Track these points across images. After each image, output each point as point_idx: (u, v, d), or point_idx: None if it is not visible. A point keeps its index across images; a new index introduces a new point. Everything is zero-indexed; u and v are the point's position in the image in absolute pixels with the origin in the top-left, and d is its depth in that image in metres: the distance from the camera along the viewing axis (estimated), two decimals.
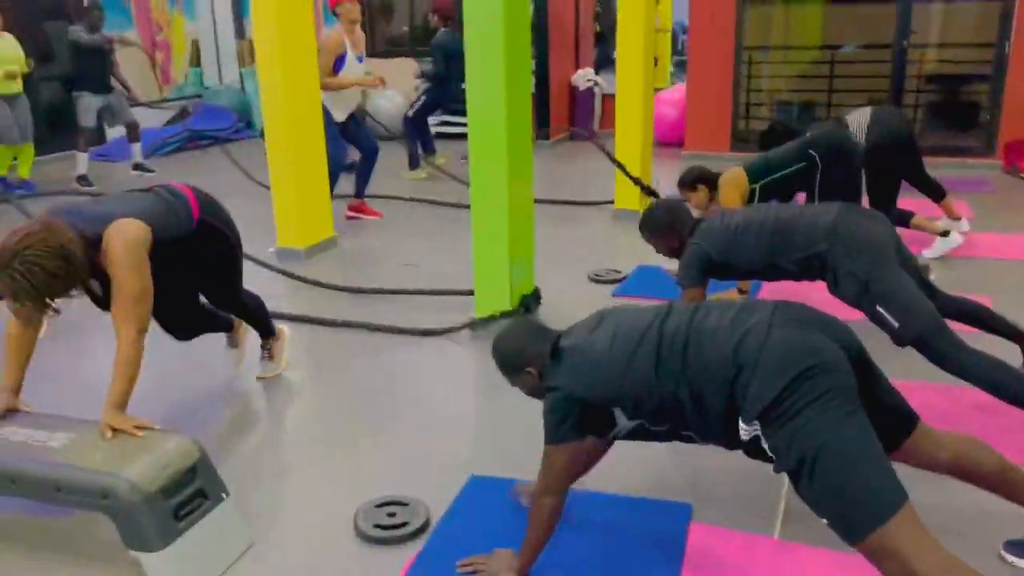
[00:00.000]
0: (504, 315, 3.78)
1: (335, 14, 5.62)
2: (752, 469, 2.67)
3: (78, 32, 7.30)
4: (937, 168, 5.33)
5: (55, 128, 8.46)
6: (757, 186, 4.14)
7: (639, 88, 5.63)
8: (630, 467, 2.76)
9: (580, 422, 2.04)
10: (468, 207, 3.85)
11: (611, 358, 2.00)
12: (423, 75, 7.93)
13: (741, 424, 1.86)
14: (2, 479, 2.22)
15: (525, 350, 2.16)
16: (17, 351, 2.56)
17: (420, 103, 7.62)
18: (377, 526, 2.41)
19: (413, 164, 7.64)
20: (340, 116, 5.67)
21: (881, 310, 2.80)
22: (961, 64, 8.05)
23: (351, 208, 6.06)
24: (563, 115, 9.19)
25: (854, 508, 1.72)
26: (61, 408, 2.56)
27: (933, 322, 2.75)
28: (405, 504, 2.51)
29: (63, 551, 2.39)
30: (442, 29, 7.62)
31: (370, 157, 5.92)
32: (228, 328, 3.48)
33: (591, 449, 2.26)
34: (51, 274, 2.31)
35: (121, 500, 2.09)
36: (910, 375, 2.73)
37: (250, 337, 3.56)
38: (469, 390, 3.53)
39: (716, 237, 3.14)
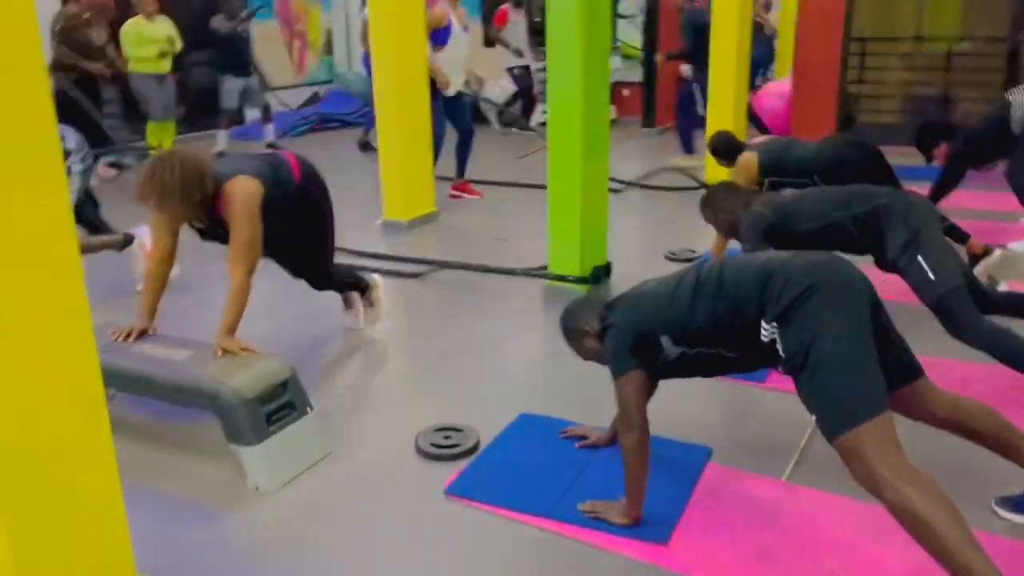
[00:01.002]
0: (575, 279, 4.12)
1: None
2: (774, 419, 2.96)
3: (219, 20, 8.07)
4: None
5: (205, 109, 9.34)
6: (766, 180, 4.30)
7: (731, 77, 5.82)
8: (668, 414, 3.08)
9: (636, 351, 2.32)
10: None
11: (656, 294, 2.35)
12: (678, 56, 7.68)
13: (763, 325, 2.11)
14: (139, 381, 2.77)
15: (581, 315, 2.54)
16: (154, 284, 3.11)
17: (698, 93, 7.26)
18: (433, 444, 2.83)
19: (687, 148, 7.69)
20: (450, 91, 6.04)
21: (921, 259, 2.96)
22: None
23: (454, 187, 6.51)
24: (671, 104, 9.34)
25: (835, 407, 1.97)
26: (187, 334, 3.10)
27: (963, 286, 2.91)
28: (460, 430, 2.91)
29: (180, 447, 2.92)
30: (687, 6, 7.50)
31: (465, 138, 6.30)
32: (364, 287, 3.84)
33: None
34: (187, 182, 2.90)
35: (225, 402, 2.58)
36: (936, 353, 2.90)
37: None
38: (535, 347, 3.88)
39: (773, 202, 3.39)
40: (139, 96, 7.59)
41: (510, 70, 9.91)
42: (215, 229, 3.12)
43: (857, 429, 1.92)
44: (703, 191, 5.95)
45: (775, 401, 3.15)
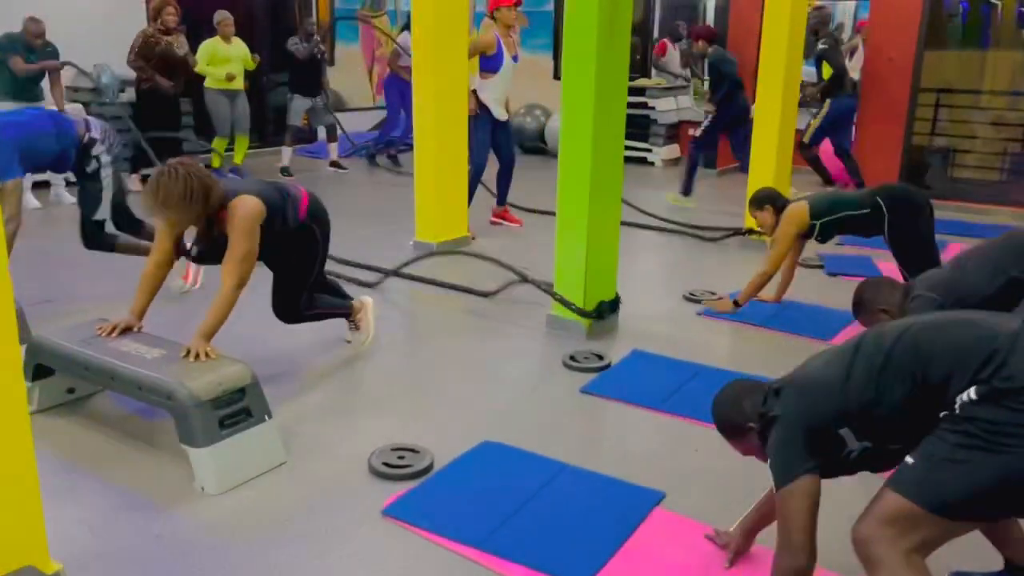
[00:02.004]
0: (579, 312, 4.08)
1: (493, 17, 6.01)
2: (747, 469, 2.84)
3: (294, 43, 8.39)
4: None
5: (279, 126, 9.70)
6: (818, 223, 4.22)
7: (775, 120, 5.69)
8: (628, 454, 3.02)
9: (810, 450, 1.87)
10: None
11: (828, 374, 1.92)
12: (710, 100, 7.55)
13: (960, 398, 1.73)
14: (105, 375, 2.87)
15: (741, 405, 2.10)
16: (149, 284, 3.23)
17: (704, 125, 7.42)
18: (385, 463, 2.83)
19: (685, 188, 7.43)
20: (500, 115, 6.08)
21: None
22: None
23: (494, 214, 6.55)
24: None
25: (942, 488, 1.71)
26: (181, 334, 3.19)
27: None
28: (416, 451, 2.90)
29: (145, 443, 3.01)
30: (710, 49, 7.55)
31: (507, 166, 6.35)
32: (345, 314, 3.87)
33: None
34: (195, 192, 3.02)
35: (179, 402, 2.65)
36: None
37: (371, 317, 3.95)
38: (520, 375, 3.84)
39: (935, 282, 3.10)
40: (210, 111, 7.95)
41: None
42: (217, 245, 3.21)
43: (936, 516, 1.72)
44: (740, 236, 5.91)
45: None
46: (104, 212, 4.26)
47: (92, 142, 4.10)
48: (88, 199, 4.25)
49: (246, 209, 3.13)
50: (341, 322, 3.95)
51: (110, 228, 4.33)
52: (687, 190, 7.37)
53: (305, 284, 3.61)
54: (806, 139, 7.46)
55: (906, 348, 1.82)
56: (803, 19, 5.80)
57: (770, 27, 5.63)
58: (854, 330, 4.26)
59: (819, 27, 7.85)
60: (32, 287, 4.40)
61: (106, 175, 4.19)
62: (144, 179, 7.55)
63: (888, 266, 5.39)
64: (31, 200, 6.73)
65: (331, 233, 3.66)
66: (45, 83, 6.88)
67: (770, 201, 4.34)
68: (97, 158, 4.12)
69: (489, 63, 5.95)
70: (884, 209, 4.16)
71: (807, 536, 1.84)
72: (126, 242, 4.43)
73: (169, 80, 7.38)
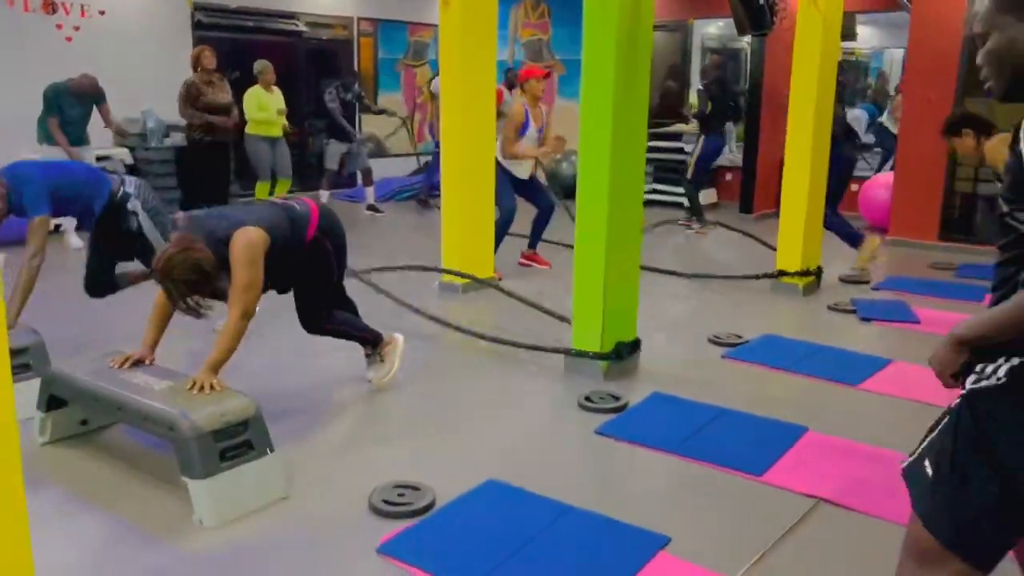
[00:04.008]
0: (595, 356, 4.02)
1: (522, 88, 6.21)
2: (756, 515, 2.75)
3: (330, 95, 8.59)
4: None
5: (320, 170, 9.89)
6: None
7: (807, 159, 5.61)
8: (636, 495, 2.93)
9: None
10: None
11: None
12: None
13: None
14: (112, 406, 2.89)
15: None
16: (160, 316, 3.26)
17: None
18: (385, 500, 2.78)
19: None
20: (523, 175, 6.25)
21: None
22: None
23: (524, 256, 6.55)
24: (772, 190, 9.11)
25: None
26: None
27: None
28: (417, 489, 2.85)
29: (149, 475, 3.01)
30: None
31: (546, 213, 6.41)
32: (371, 343, 3.88)
33: None
34: (192, 283, 3.02)
35: (180, 433, 2.65)
36: None
37: (398, 353, 3.93)
38: (533, 416, 3.76)
39: None
40: (251, 156, 8.14)
41: None
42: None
43: None
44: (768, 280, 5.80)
45: (763, 496, 2.92)
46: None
47: (127, 197, 4.16)
48: (145, 252, 4.22)
49: (245, 240, 3.14)
50: (359, 359, 3.95)
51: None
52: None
53: (324, 295, 3.65)
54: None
55: None
56: (834, 63, 5.74)
57: (799, 70, 5.59)
58: (883, 376, 4.13)
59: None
60: (63, 323, 4.49)
61: (148, 228, 4.21)
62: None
63: (925, 312, 5.24)
64: (74, 240, 6.93)
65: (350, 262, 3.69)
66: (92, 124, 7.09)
67: (969, 124, 3.77)
68: (136, 215, 4.17)
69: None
70: None
71: None
72: (124, 274, 4.42)
73: (213, 133, 7.49)
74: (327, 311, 3.67)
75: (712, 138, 8.08)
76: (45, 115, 6.75)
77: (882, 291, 5.73)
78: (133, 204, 4.21)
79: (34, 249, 3.86)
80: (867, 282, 6.15)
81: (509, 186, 6.16)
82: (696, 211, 8.28)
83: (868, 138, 10.92)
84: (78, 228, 4.58)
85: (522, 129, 6.10)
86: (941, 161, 7.37)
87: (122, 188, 4.21)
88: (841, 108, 7.21)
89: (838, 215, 6.32)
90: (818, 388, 4.00)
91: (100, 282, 4.36)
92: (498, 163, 5.96)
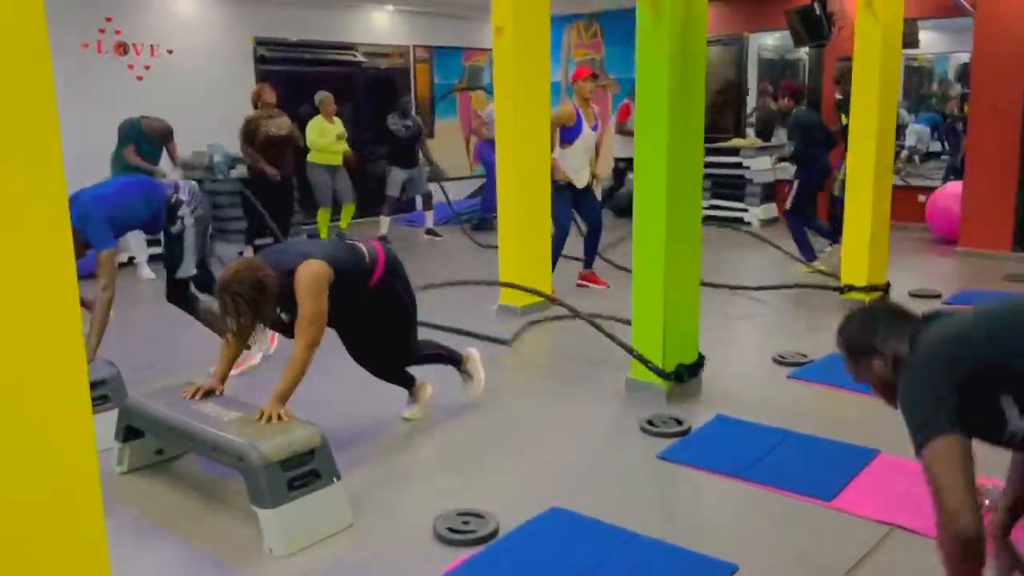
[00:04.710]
0: (656, 371, 3.99)
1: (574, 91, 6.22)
2: (826, 542, 2.69)
3: (393, 120, 8.74)
4: None
5: (379, 197, 10.04)
6: None
7: (870, 171, 5.49)
8: (699, 520, 2.89)
9: (957, 406, 1.62)
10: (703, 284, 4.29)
11: (988, 321, 1.72)
12: (785, 159, 7.71)
13: None
14: (185, 436, 2.98)
15: (878, 330, 1.86)
16: (229, 352, 3.36)
17: (794, 191, 7.02)
18: (450, 528, 2.80)
19: (807, 255, 7.02)
20: (581, 183, 6.17)
21: None
22: None
23: (581, 276, 6.54)
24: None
25: None
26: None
27: None
28: (481, 516, 2.86)
29: (223, 504, 3.09)
30: (797, 109, 7.35)
31: (593, 228, 6.38)
32: (408, 385, 3.92)
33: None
34: (252, 299, 3.08)
35: (249, 463, 2.72)
36: None
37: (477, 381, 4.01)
38: (597, 438, 3.74)
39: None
40: (312, 184, 8.33)
41: None
42: (289, 313, 3.31)
43: None
44: (838, 295, 5.67)
45: (834, 523, 2.85)
46: (187, 271, 4.41)
47: (179, 203, 4.30)
48: (171, 257, 4.40)
49: (309, 272, 3.20)
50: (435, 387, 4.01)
51: (193, 288, 4.52)
52: (809, 256, 7.02)
53: (407, 336, 3.72)
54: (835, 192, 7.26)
55: None
56: (896, 75, 5.63)
57: (860, 80, 5.49)
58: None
59: (840, 77, 7.72)
60: (136, 352, 4.65)
61: (189, 236, 4.33)
62: (256, 249, 7.94)
63: None
64: (146, 271, 7.17)
65: (418, 296, 3.75)
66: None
67: None
68: (182, 219, 4.30)
69: (568, 134, 6.10)
70: None
71: (966, 495, 1.53)
72: (207, 309, 4.46)
73: (275, 164, 7.69)
74: (407, 354, 3.76)
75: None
76: (120, 147, 7.02)
77: (955, 305, 5.55)
78: (183, 211, 4.32)
79: (104, 282, 3.98)
80: (939, 296, 5.97)
81: (567, 199, 6.14)
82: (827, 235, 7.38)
83: (935, 146, 10.64)
84: (150, 242, 4.69)
85: (576, 129, 6.06)
86: (1012, 167, 7.14)
87: (176, 195, 4.32)
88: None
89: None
90: (889, 409, 3.88)
91: (170, 288, 4.49)
92: (556, 186, 5.97)
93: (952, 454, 1.55)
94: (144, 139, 7.11)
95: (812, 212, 7.32)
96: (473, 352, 4.08)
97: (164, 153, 7.38)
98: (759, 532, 2.84)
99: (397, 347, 3.75)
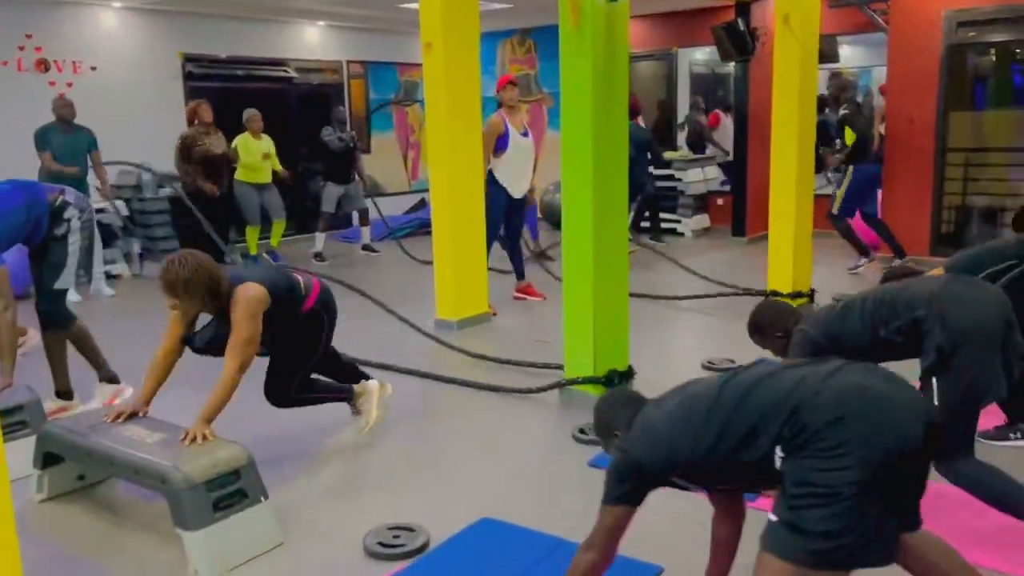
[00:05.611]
0: (586, 380, 4.05)
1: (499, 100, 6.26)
2: (751, 543, 2.74)
3: (328, 134, 8.68)
4: None
5: (315, 213, 9.96)
6: None
7: (791, 180, 5.67)
8: (634, 529, 2.93)
9: (636, 488, 2.08)
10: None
11: (670, 420, 2.05)
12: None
13: (776, 450, 1.86)
14: (104, 460, 2.92)
15: (616, 416, 2.23)
16: (157, 372, 3.29)
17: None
18: (380, 543, 2.79)
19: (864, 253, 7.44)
20: (516, 193, 6.20)
21: (936, 385, 2.61)
22: None
23: (517, 289, 6.58)
24: (764, 213, 9.17)
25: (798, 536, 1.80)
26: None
27: (966, 436, 2.60)
28: (412, 530, 2.86)
29: (146, 529, 3.02)
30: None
31: (512, 240, 6.40)
32: (345, 398, 3.90)
33: None
34: (199, 280, 3.12)
35: (172, 485, 2.67)
36: None
37: (376, 398, 3.92)
38: (528, 450, 3.77)
39: (820, 319, 3.02)
40: (240, 202, 8.21)
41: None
42: (222, 331, 3.28)
43: (805, 570, 1.77)
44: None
45: (760, 522, 2.92)
46: (67, 280, 4.02)
47: (65, 204, 3.94)
48: (51, 265, 3.95)
49: (249, 295, 3.21)
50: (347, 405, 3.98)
51: (70, 299, 4.18)
52: (864, 252, 7.34)
53: (301, 368, 3.66)
54: (835, 210, 7.30)
55: (732, 400, 1.93)
56: (813, 86, 5.83)
57: (780, 93, 5.67)
58: None
59: (839, 93, 7.87)
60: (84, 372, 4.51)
61: (73, 241, 3.96)
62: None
63: None
64: (106, 289, 6.98)
65: (351, 312, 3.71)
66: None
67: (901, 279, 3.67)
68: (68, 221, 3.94)
69: (498, 143, 6.10)
70: None
71: (607, 542, 2.11)
72: (80, 332, 4.16)
73: (213, 181, 7.60)
74: (302, 383, 3.69)
75: (862, 167, 7.22)
76: (40, 155, 6.78)
77: None
78: (70, 212, 3.97)
79: (3, 303, 3.72)
80: None
81: (499, 214, 6.13)
82: (858, 246, 7.47)
83: None
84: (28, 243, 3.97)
85: (503, 139, 6.08)
86: (927, 176, 7.44)
87: (61, 196, 3.96)
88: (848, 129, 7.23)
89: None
90: None
91: (44, 301, 4.05)
92: (494, 182, 6.00)
93: (618, 520, 2.11)
94: (58, 130, 6.86)
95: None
96: (370, 386, 3.94)
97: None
98: (684, 534, 2.89)
99: (287, 374, 3.65)
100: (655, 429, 2.09)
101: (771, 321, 3.10)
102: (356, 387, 3.91)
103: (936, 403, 2.61)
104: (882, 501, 1.76)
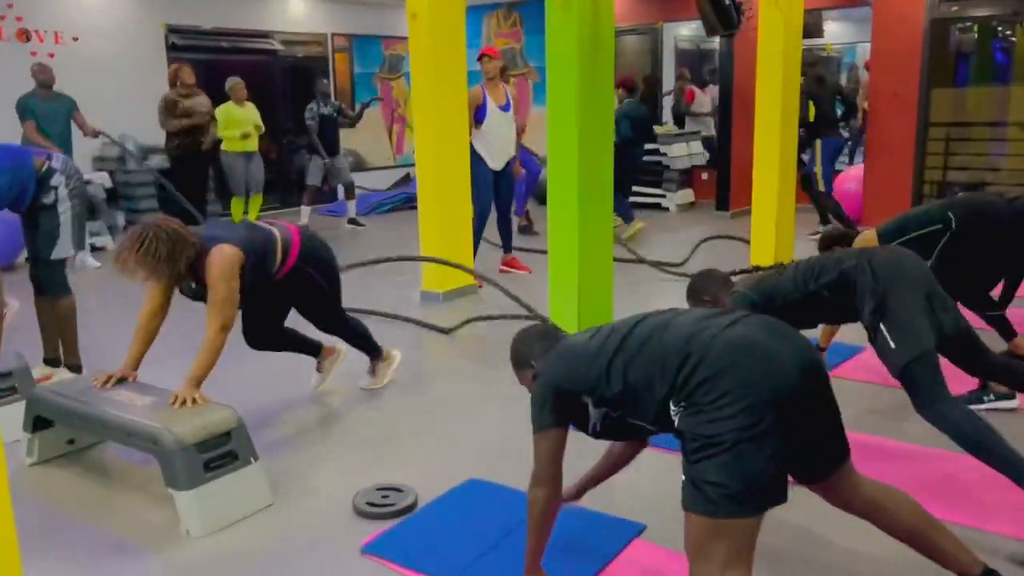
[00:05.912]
0: None
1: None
2: None
3: (310, 113, 8.64)
4: None
5: (300, 187, 9.93)
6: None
7: (775, 155, 5.72)
8: (611, 485, 3.01)
9: (556, 409, 2.15)
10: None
11: (584, 350, 2.15)
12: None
13: (671, 406, 1.94)
14: (97, 423, 2.95)
15: (532, 348, 2.35)
16: (142, 336, 3.31)
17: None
18: (369, 503, 2.85)
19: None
20: (495, 165, 6.22)
21: (884, 328, 2.75)
22: None
23: (503, 262, 6.62)
24: (747, 187, 9.23)
25: (703, 490, 1.85)
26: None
27: (929, 357, 2.69)
28: (400, 490, 2.92)
29: (137, 491, 3.08)
30: (627, 100, 8.15)
31: (502, 213, 6.44)
32: (314, 353, 4.01)
33: (623, 451, 2.60)
34: (157, 250, 3.06)
35: (164, 446, 2.71)
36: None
37: (337, 366, 4.06)
38: (516, 413, 3.81)
39: (756, 282, 3.25)
40: (226, 172, 8.20)
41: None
42: (200, 290, 3.31)
43: (714, 520, 1.83)
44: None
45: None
46: (64, 249, 3.95)
47: (51, 171, 3.84)
48: (43, 234, 3.89)
49: (221, 256, 3.19)
50: (350, 368, 4.06)
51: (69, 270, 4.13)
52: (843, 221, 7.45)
53: (328, 315, 3.85)
54: (822, 188, 7.37)
55: (636, 344, 2.03)
56: (797, 60, 5.87)
57: (764, 68, 5.71)
58: (858, 362, 4.23)
59: (807, 68, 7.94)
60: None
61: (64, 210, 3.89)
62: None
63: None
64: (90, 261, 6.94)
65: (341, 282, 3.83)
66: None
67: (837, 241, 3.80)
68: (55, 189, 3.85)
69: (476, 115, 6.10)
70: (953, 221, 3.77)
71: (551, 469, 2.18)
72: (68, 310, 4.08)
73: (197, 144, 7.54)
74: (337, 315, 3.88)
75: (827, 140, 7.42)
76: (23, 125, 6.73)
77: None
78: (57, 179, 3.89)
79: None
80: None
81: (486, 186, 6.17)
82: (843, 220, 7.50)
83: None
84: (14, 209, 3.90)
85: (481, 110, 6.08)
86: (909, 152, 7.52)
87: (48, 163, 3.87)
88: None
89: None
90: None
91: (40, 272, 4.03)
92: (474, 155, 6.00)
93: (551, 444, 2.18)
94: (39, 98, 6.81)
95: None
96: (395, 354, 4.14)
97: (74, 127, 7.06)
98: (667, 492, 2.92)
99: (322, 319, 3.86)
100: (571, 354, 2.19)
101: (703, 287, 3.31)
102: (384, 351, 4.08)
103: (892, 348, 2.73)
104: (775, 445, 1.81)
